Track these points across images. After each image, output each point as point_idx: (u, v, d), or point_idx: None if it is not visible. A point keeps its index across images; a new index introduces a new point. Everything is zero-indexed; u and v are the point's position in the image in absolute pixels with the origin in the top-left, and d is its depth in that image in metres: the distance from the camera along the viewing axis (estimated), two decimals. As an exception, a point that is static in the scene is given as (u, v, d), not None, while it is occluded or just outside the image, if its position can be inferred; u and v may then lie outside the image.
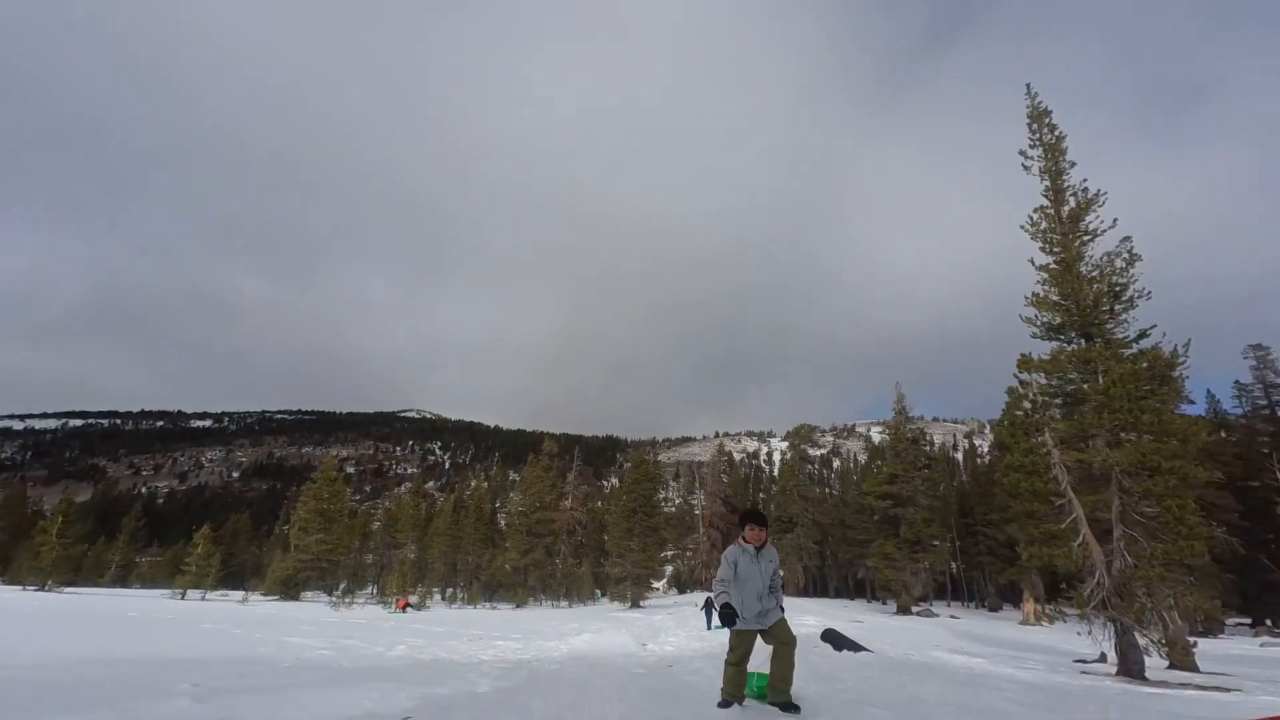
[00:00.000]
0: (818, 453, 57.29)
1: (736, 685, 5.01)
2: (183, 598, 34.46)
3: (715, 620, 20.04)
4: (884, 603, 43.82)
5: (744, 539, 5.15)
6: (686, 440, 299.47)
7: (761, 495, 68.70)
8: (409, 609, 31.19)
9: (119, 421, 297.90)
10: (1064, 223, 12.64)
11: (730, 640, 5.05)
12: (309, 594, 39.67)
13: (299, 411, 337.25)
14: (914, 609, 34.65)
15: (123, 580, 51.90)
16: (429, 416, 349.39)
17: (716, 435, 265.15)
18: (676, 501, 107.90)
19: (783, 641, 4.94)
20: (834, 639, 9.19)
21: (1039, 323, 12.43)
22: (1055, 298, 12.29)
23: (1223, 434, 35.36)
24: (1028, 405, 10.91)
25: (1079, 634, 10.79)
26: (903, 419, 38.94)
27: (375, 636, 13.13)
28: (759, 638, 5.06)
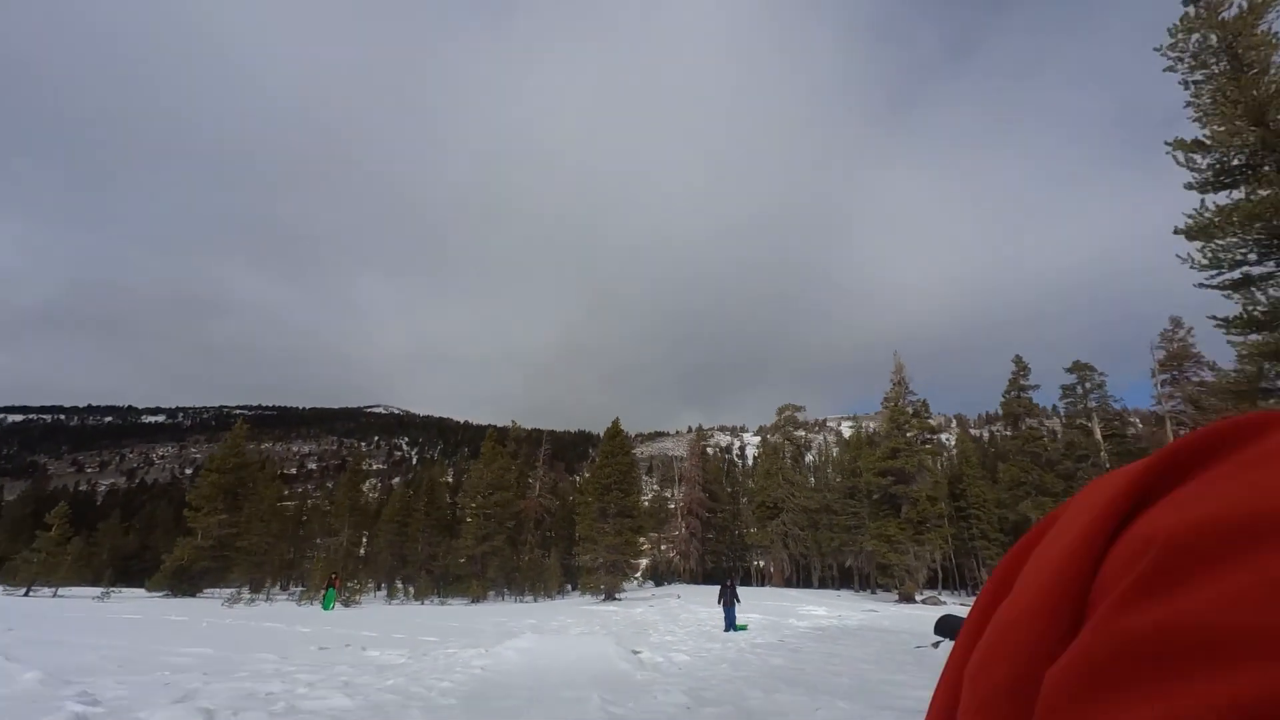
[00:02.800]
0: (802, 434, 53.83)
1: None
2: (26, 594, 29.12)
3: (738, 616, 15.66)
4: (874, 592, 40.23)
5: None
6: (660, 435, 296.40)
7: (737, 489, 64.90)
8: (334, 602, 26.42)
9: (63, 417, 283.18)
10: (1228, 26, 8.76)
11: None
12: (216, 591, 33.93)
13: (259, 407, 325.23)
14: (918, 597, 31.19)
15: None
16: (396, 412, 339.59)
17: (690, 430, 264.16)
18: (650, 496, 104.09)
19: None
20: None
21: (1201, 166, 8.58)
22: (1230, 126, 8.39)
23: None
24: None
25: None
26: (903, 390, 35.39)
27: (136, 645, 8.46)
28: None
